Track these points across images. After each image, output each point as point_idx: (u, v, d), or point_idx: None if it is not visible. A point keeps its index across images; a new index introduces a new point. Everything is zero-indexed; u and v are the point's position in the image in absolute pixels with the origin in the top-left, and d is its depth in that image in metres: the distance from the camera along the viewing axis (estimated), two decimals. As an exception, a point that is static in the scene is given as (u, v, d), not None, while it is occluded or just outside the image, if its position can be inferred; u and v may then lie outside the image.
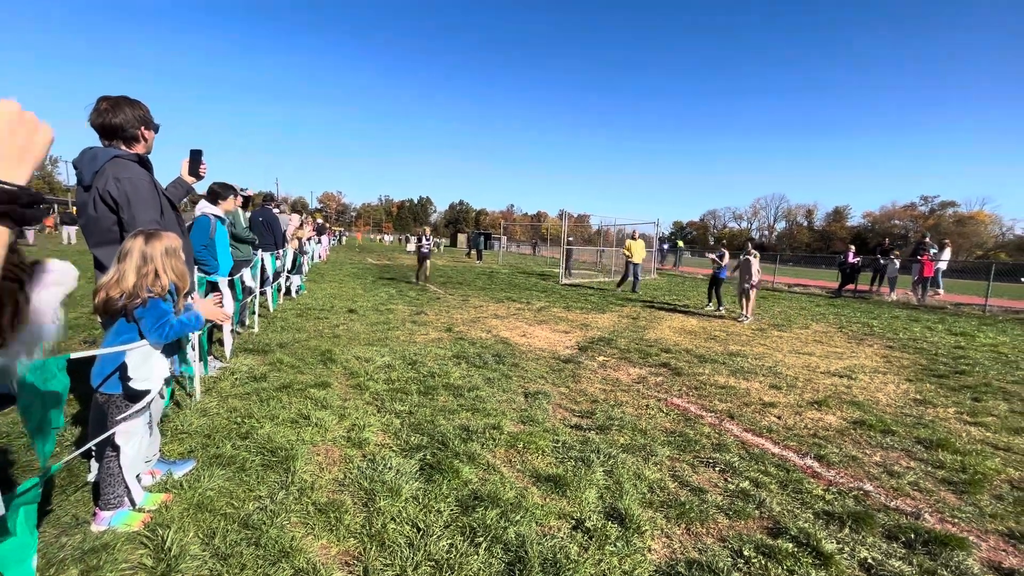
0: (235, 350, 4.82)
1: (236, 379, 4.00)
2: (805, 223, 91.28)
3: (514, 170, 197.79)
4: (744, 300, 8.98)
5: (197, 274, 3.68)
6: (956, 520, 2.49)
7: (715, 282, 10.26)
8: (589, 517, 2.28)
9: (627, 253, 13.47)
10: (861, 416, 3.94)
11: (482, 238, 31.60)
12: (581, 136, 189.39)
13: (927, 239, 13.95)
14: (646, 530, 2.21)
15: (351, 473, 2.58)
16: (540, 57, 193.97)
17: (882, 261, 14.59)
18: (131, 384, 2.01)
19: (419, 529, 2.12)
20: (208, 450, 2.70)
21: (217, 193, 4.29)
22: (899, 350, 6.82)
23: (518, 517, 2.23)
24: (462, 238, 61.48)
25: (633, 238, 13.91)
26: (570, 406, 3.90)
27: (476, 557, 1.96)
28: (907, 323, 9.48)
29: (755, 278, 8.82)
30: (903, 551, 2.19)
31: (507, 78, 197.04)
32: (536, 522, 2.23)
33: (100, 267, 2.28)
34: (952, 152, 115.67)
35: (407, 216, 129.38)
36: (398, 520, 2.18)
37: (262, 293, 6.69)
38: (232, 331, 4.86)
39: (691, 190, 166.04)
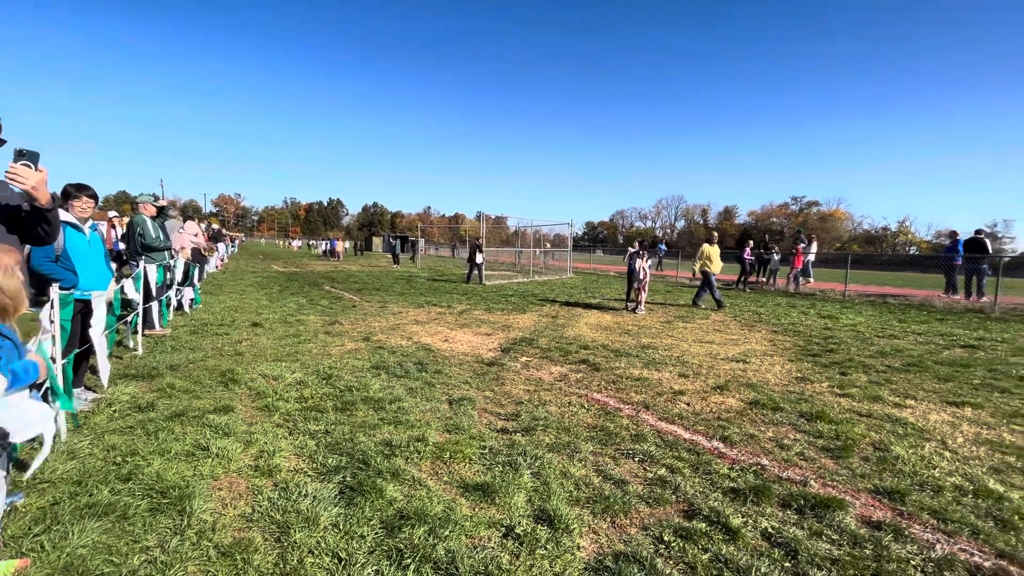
0: (113, 377, 4.21)
1: (115, 411, 3.49)
2: (701, 221, 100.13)
3: (430, 171, 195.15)
4: (640, 295, 9.93)
5: (59, 292, 3.15)
6: (835, 483, 2.84)
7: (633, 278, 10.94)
8: (519, 523, 2.28)
9: (708, 262, 10.74)
10: (756, 396, 4.37)
11: (398, 241, 30.68)
12: (495, 138, 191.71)
13: (800, 234, 15.93)
14: (574, 528, 2.26)
15: (260, 506, 2.35)
16: (448, 58, 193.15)
17: (765, 256, 16.38)
18: (14, 438, 1.65)
19: (340, 559, 1.98)
20: (78, 499, 2.31)
21: (68, 194, 3.71)
22: (782, 334, 7.70)
23: (447, 532, 2.16)
24: (377, 241, 59.42)
25: (710, 242, 11.01)
26: (495, 410, 3.89)
27: (404, 581, 1.87)
28: (787, 309, 10.74)
29: (648, 275, 10.14)
30: (796, 517, 2.45)
31: (417, 79, 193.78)
32: (466, 535, 2.18)
33: None
34: (815, 155, 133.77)
35: (316, 219, 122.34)
36: (316, 552, 2.01)
37: (146, 309, 5.91)
38: (109, 355, 4.23)
39: (601, 192, 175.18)
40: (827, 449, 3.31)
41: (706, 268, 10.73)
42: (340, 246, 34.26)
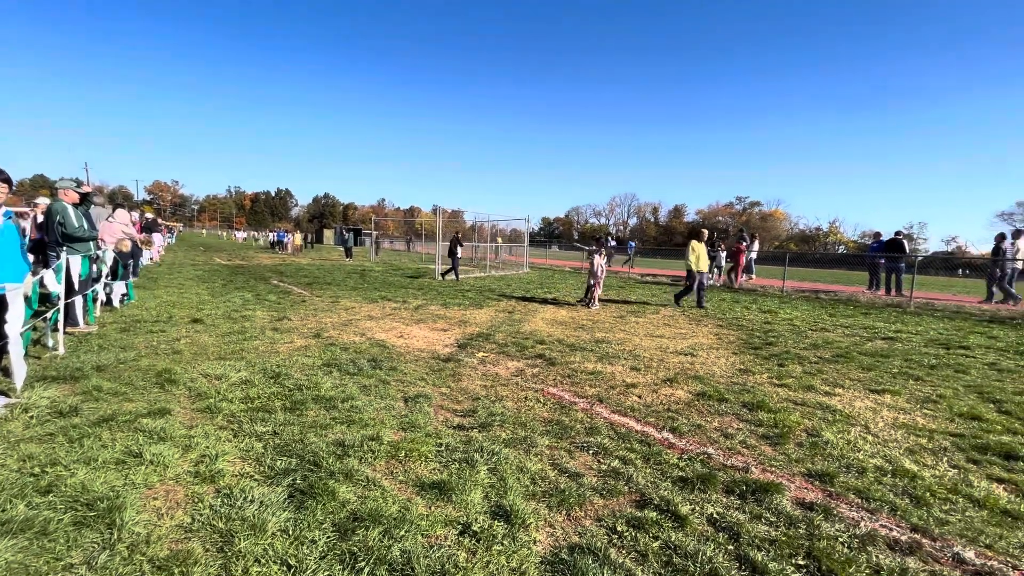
0: (30, 380, 3.83)
1: (32, 417, 3.18)
2: (652, 219, 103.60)
3: (384, 163, 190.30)
4: (595, 290, 10.16)
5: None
6: (773, 468, 3.02)
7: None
8: (476, 520, 2.28)
9: (693, 258, 10.23)
10: (703, 388, 4.58)
11: (351, 234, 29.77)
12: (452, 131, 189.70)
13: (743, 233, 16.80)
14: (531, 523, 2.28)
15: (201, 514, 2.22)
16: (401, 48, 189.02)
17: (712, 253, 17.16)
18: None
19: (290, 566, 1.90)
20: (-12, 516, 2.09)
21: None
22: (727, 328, 8.10)
23: (402, 532, 2.13)
24: (329, 234, 57.43)
25: (699, 238, 10.45)
26: (452, 406, 3.87)
27: (358, 585, 1.82)
28: (731, 304, 11.30)
29: (604, 271, 10.52)
30: (738, 502, 2.59)
31: (370, 68, 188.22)
32: (422, 534, 2.15)
33: None
34: (758, 157, 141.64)
35: (263, 210, 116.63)
36: (263, 560, 1.93)
37: (68, 305, 5.41)
38: (24, 355, 3.85)
39: (557, 188, 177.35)
40: (766, 437, 3.51)
41: (692, 267, 10.29)
42: (297, 239, 31.61)
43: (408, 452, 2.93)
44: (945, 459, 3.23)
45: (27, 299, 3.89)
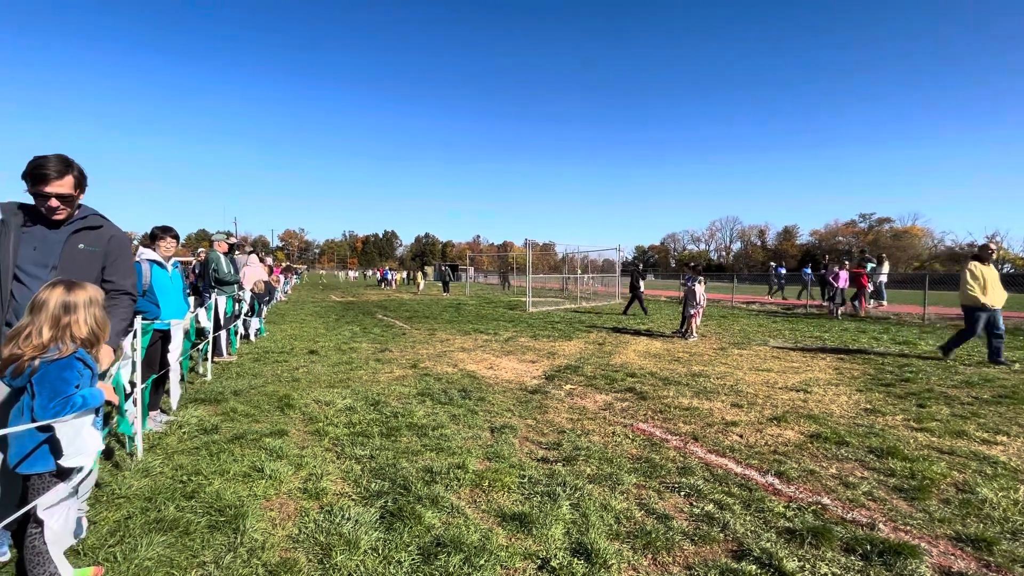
0: (185, 401, 4.57)
1: (184, 433, 3.78)
2: (759, 243, 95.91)
3: (478, 200, 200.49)
4: (694, 321, 9.64)
5: (141, 321, 3.51)
6: (908, 527, 2.57)
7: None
8: (555, 555, 2.23)
9: (974, 290, 6.83)
10: (817, 429, 4.07)
11: (448, 270, 31.51)
12: (543, 163, 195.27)
13: (866, 254, 14.88)
14: (612, 564, 2.18)
15: (306, 527, 2.45)
16: (496, 84, 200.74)
17: (823, 276, 15.38)
18: (62, 461, 1.86)
19: (378, 584, 2.02)
20: (148, 514, 2.51)
21: (155, 235, 4.17)
22: (849, 361, 7.14)
23: (482, 561, 2.16)
24: (429, 271, 61.44)
25: (981, 257, 7.01)
26: (537, 438, 3.86)
27: (438, 609, 1.88)
28: (855, 335, 9.97)
29: (706, 300, 9.95)
30: (860, 563, 2.24)
31: (466, 109, 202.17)
32: (501, 565, 2.16)
33: None
34: (884, 171, 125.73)
35: (372, 251, 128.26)
36: (356, 575, 2.07)
37: (215, 338, 6.40)
38: (182, 380, 4.62)
39: (651, 214, 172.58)
40: (900, 489, 3.01)
41: (974, 301, 6.84)
42: (419, 277, 32.42)
43: (492, 482, 2.98)
44: None
45: (186, 333, 4.69)
